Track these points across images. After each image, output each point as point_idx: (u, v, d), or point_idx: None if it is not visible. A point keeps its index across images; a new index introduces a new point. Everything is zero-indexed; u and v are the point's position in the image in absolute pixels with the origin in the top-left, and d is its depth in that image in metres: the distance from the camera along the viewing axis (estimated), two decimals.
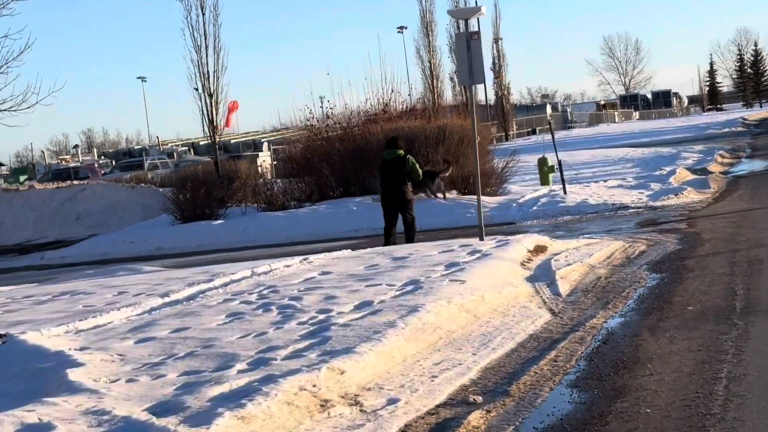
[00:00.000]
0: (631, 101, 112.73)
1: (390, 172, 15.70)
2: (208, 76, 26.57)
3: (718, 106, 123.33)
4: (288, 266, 13.26)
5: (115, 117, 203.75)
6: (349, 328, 8.20)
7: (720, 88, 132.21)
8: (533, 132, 71.06)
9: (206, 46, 26.50)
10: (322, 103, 27.76)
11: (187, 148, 63.03)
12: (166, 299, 11.09)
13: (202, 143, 59.14)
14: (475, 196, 20.10)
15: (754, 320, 8.26)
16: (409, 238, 15.85)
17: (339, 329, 8.20)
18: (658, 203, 20.25)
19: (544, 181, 25.67)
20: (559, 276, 11.26)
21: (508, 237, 14.28)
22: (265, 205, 24.50)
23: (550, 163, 25.53)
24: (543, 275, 11.52)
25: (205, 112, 26.73)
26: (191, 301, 10.86)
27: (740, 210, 17.49)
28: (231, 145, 60.12)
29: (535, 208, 21.27)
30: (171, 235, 23.16)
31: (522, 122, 75.95)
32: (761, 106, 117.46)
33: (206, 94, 26.56)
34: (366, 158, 24.78)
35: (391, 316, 8.55)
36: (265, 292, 10.89)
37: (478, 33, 14.20)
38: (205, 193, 24.42)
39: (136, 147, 72.01)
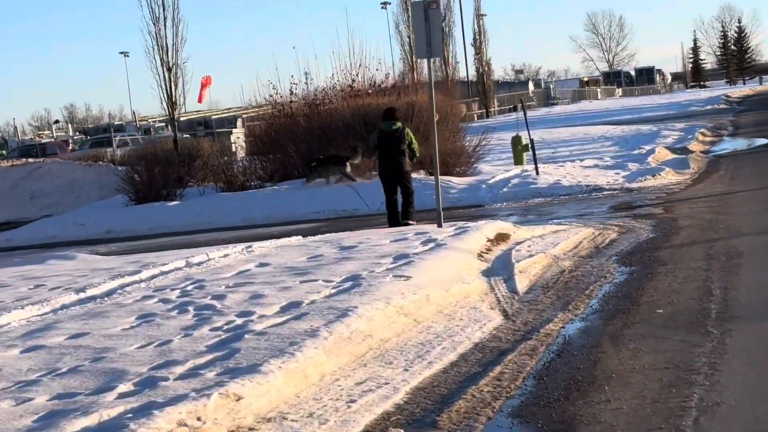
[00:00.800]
0: (614, 78, 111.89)
1: (389, 144, 15.05)
2: (167, 50, 25.27)
3: (702, 83, 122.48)
4: (226, 256, 12.16)
5: (98, 92, 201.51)
6: (263, 338, 7.08)
7: (703, 65, 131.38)
8: (515, 109, 69.86)
9: (164, 18, 25.19)
10: (306, 79, 26.58)
11: (164, 123, 61.76)
12: (81, 295, 10.02)
13: (182, 119, 58.01)
14: (443, 177, 19.02)
15: (731, 328, 7.16)
16: (407, 213, 15.04)
17: (252, 339, 7.08)
18: (635, 185, 19.17)
19: (518, 161, 24.50)
20: (518, 270, 10.16)
21: (469, 223, 13.14)
22: (224, 186, 23.29)
23: (524, 142, 24.31)
24: (501, 268, 10.43)
25: (163, 86, 25.43)
26: (107, 298, 9.77)
27: (720, 193, 16.41)
28: (211, 121, 58.81)
29: (505, 189, 20.14)
30: (123, 216, 21.93)
31: (504, 99, 74.81)
32: (744, 83, 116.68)
33: (164, 68, 25.26)
34: (332, 136, 23.67)
35: (316, 323, 7.43)
36: (189, 288, 9.78)
37: (437, 2, 13.00)
38: (160, 173, 23.15)
39: (117, 123, 70.79)
